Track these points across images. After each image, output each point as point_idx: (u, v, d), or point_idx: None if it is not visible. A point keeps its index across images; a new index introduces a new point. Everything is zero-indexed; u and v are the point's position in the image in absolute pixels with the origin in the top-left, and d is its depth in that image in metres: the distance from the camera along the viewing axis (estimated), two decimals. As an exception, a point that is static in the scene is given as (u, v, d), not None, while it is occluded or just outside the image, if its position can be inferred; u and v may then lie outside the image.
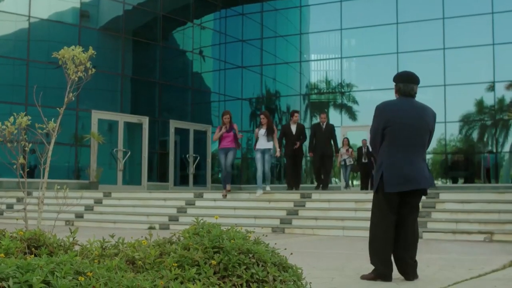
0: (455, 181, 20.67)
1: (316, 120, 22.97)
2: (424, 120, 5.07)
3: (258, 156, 12.79)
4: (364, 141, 18.45)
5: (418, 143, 5.05)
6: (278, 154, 12.93)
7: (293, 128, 13.92)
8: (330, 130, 14.19)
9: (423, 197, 11.13)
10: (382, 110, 5.14)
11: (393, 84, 5.28)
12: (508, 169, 19.84)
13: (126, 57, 20.36)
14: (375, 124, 5.16)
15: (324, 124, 14.19)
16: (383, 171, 5.02)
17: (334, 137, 14.42)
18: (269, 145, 12.75)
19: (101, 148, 18.33)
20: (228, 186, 13.00)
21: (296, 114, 14.12)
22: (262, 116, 13.03)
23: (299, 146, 13.84)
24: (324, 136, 14.03)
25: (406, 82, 5.15)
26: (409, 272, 4.97)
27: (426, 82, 19.82)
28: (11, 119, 4.59)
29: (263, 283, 3.11)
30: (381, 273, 4.93)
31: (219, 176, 23.93)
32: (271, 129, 12.78)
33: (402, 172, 4.96)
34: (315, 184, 14.96)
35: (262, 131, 12.76)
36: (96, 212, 13.93)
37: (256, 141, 12.93)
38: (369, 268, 5.18)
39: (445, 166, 20.67)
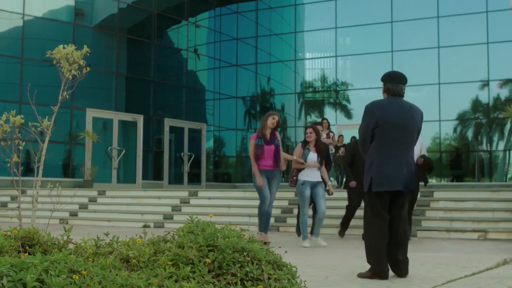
0: (449, 179, 20.73)
1: (311, 119, 22.87)
2: (413, 120, 5.13)
3: (306, 192, 8.19)
4: None
5: (406, 143, 5.10)
6: (331, 191, 8.67)
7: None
8: None
9: (418, 196, 11.18)
10: (371, 110, 5.15)
11: None
12: (503, 168, 19.90)
13: (120, 55, 20.31)
14: (365, 124, 5.17)
15: None
16: (371, 171, 5.06)
17: None
18: (319, 176, 8.42)
19: (95, 146, 18.28)
20: (266, 237, 8.09)
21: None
22: (309, 131, 8.42)
23: None
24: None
25: (395, 82, 5.17)
26: (402, 269, 5.00)
27: (421, 80, 19.98)
28: (4, 117, 4.58)
29: (258, 281, 3.11)
30: (377, 271, 4.94)
31: (214, 172, 23.87)
32: (323, 152, 8.41)
33: (386, 172, 5.00)
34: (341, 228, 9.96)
35: (312, 155, 8.29)
36: (90, 211, 13.90)
37: (297, 170, 8.35)
38: (364, 266, 5.19)
39: (439, 165, 20.71)
